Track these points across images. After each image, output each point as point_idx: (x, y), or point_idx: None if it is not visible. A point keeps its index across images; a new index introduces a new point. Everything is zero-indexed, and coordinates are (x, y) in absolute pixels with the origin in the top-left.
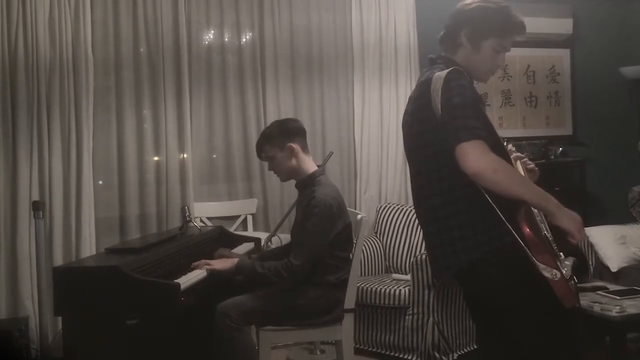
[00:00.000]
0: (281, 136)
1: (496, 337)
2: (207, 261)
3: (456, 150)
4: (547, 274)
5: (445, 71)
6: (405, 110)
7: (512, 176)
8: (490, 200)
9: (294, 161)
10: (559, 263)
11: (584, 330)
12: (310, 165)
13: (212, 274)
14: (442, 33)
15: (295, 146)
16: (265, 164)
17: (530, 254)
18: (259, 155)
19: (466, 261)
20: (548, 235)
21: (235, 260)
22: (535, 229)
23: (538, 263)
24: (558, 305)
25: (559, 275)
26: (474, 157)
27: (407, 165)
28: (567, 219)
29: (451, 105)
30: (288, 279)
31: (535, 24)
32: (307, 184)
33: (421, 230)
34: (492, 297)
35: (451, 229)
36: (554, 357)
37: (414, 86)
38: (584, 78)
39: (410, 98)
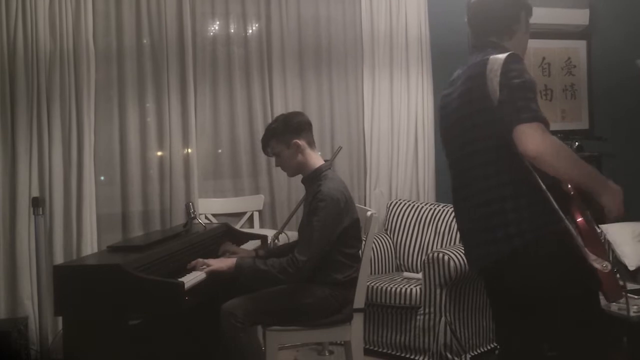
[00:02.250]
0: (286, 132)
1: (526, 335)
2: (204, 261)
3: (516, 131)
4: (597, 266)
5: (505, 54)
6: (447, 93)
7: (571, 159)
8: (543, 186)
9: (300, 157)
10: None
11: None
12: (317, 160)
13: (212, 276)
14: (487, 21)
15: (301, 142)
16: (272, 159)
17: (582, 244)
18: (265, 151)
19: (511, 248)
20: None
21: (234, 260)
22: (588, 219)
23: (589, 254)
24: (597, 302)
25: (609, 267)
26: (536, 139)
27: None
28: (611, 195)
29: (512, 86)
30: (294, 275)
31: (551, 15)
32: (313, 179)
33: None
34: (533, 288)
35: (497, 214)
36: (588, 357)
37: (425, 79)
38: (601, 70)
39: (453, 81)
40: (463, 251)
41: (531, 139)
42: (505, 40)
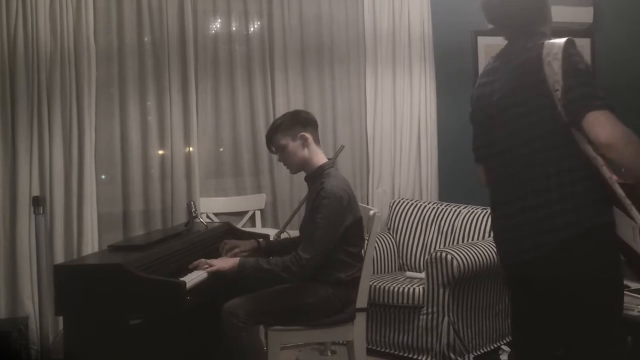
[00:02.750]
0: (294, 125)
1: (547, 334)
2: (207, 261)
3: (588, 117)
4: None
5: (562, 39)
6: (484, 82)
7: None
8: (604, 176)
9: (306, 151)
10: None
11: None
12: (320, 157)
13: (215, 276)
14: (521, 8)
15: (308, 136)
16: (274, 158)
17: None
18: (269, 147)
19: (565, 237)
20: None
21: (237, 259)
22: None
23: None
24: (622, 302)
25: None
26: (610, 126)
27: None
28: None
29: (578, 72)
30: (297, 273)
31: (555, 13)
32: (316, 176)
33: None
34: (573, 282)
35: (555, 202)
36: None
37: (428, 77)
38: (605, 68)
39: (490, 70)
40: (468, 249)
41: (605, 126)
42: (541, 25)
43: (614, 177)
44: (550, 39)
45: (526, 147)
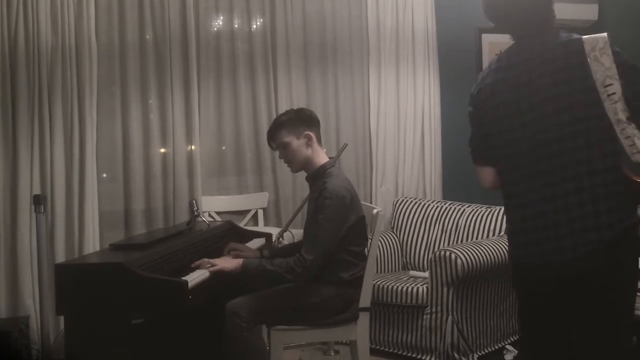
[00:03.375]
0: (298, 123)
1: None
2: (210, 260)
3: None
4: None
5: (602, 34)
6: (510, 76)
7: None
8: None
9: (309, 151)
10: None
11: None
12: (323, 157)
13: (217, 275)
14: (536, 6)
15: (313, 135)
16: (277, 157)
17: None
18: (270, 144)
19: (608, 237)
20: None
21: (240, 260)
22: None
23: None
24: None
25: None
26: None
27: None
28: None
29: (633, 67)
30: (302, 274)
31: (559, 10)
32: (318, 176)
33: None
34: (619, 282)
35: (595, 200)
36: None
37: (432, 74)
38: None
39: (511, 65)
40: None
41: None
42: (553, 21)
43: None
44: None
45: (561, 145)
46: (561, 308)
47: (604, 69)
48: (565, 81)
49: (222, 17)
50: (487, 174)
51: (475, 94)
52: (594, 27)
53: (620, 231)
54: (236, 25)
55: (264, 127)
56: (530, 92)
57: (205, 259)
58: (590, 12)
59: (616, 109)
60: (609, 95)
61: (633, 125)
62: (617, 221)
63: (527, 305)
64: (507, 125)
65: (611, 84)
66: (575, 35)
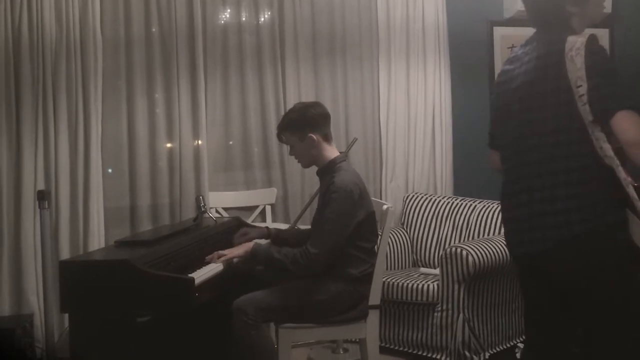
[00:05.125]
0: (302, 125)
1: (561, 330)
2: (220, 252)
3: (617, 116)
4: None
5: (586, 35)
6: (508, 69)
7: None
8: (619, 176)
9: (314, 150)
10: None
11: None
12: (331, 152)
13: (230, 265)
14: (557, 4)
15: (316, 137)
16: (285, 152)
17: None
18: (279, 138)
19: (572, 234)
20: None
21: (250, 244)
22: None
23: None
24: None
25: None
26: (638, 126)
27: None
28: None
29: (605, 70)
30: (305, 267)
31: None
32: (327, 170)
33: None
34: (585, 278)
35: (561, 199)
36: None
37: (443, 67)
38: (624, 59)
39: (516, 57)
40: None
41: (635, 126)
42: (572, 20)
43: (629, 179)
44: (572, 30)
45: (538, 140)
46: (545, 301)
47: (575, 69)
48: (543, 79)
49: (229, 10)
50: (493, 157)
51: (495, 81)
52: (607, 20)
53: (590, 229)
54: (244, 18)
55: (272, 122)
56: (515, 86)
57: (217, 252)
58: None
59: (585, 110)
60: (579, 97)
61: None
62: (578, 221)
63: (523, 298)
64: (501, 115)
65: (581, 85)
66: (570, 37)
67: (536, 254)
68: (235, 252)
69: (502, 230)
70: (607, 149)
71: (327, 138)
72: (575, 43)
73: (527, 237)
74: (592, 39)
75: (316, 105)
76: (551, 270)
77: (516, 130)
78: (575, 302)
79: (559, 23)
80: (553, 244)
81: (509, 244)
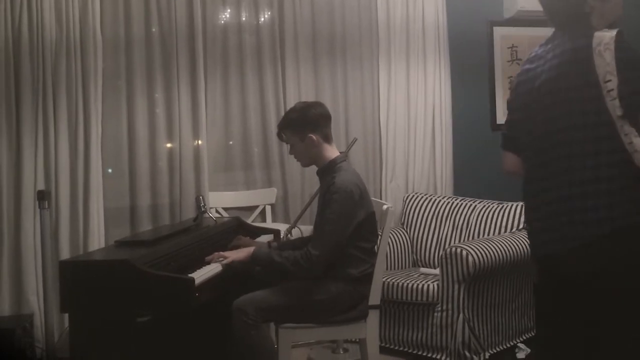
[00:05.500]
0: (302, 125)
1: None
2: (221, 253)
3: None
4: None
5: (614, 30)
6: (530, 68)
7: None
8: None
9: (314, 150)
10: None
11: None
12: (332, 152)
13: (230, 267)
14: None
15: (316, 137)
16: (285, 152)
17: None
18: (280, 136)
19: (601, 232)
20: None
21: (251, 249)
22: None
23: None
24: None
25: None
26: None
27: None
28: None
29: (634, 65)
30: (307, 269)
31: None
32: (327, 171)
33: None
34: (611, 276)
35: (590, 195)
36: None
37: (443, 67)
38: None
39: (537, 56)
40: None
41: None
42: (593, 18)
43: None
44: (591, 27)
45: (566, 137)
46: (567, 302)
47: (605, 64)
48: (566, 76)
49: (229, 10)
50: (507, 159)
51: (512, 82)
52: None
53: (613, 229)
54: (243, 18)
55: (272, 122)
56: (539, 84)
57: (217, 252)
58: None
59: (614, 105)
60: (608, 92)
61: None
62: (617, 216)
63: (539, 297)
64: (523, 115)
65: (610, 80)
66: (591, 32)
67: (563, 253)
68: (235, 255)
69: (502, 230)
70: (638, 144)
71: (328, 138)
72: (604, 38)
73: (554, 235)
74: (621, 34)
75: (317, 105)
76: (578, 269)
77: (541, 128)
78: (600, 302)
79: (579, 20)
80: (581, 242)
81: (533, 244)
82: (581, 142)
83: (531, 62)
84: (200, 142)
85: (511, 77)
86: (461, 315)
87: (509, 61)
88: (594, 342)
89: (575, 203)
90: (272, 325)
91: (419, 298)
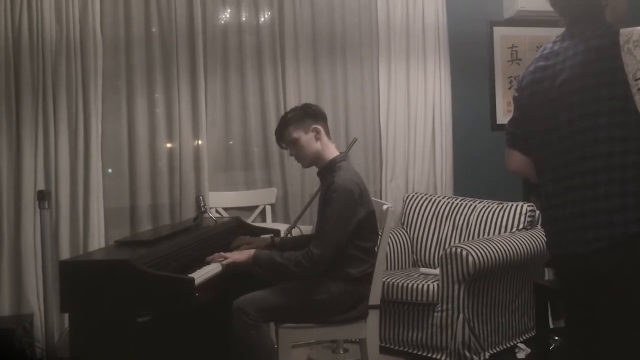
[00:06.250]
0: (305, 117)
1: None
2: (222, 254)
3: None
4: None
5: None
6: (546, 65)
7: None
8: None
9: (318, 144)
10: None
11: None
12: (332, 151)
13: (230, 268)
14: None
15: (321, 128)
16: (285, 152)
17: None
18: (279, 143)
19: (629, 234)
20: None
21: (252, 251)
22: None
23: None
24: None
25: None
26: None
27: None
28: None
29: None
30: (309, 269)
31: None
32: (327, 170)
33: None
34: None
35: (617, 196)
36: None
37: (443, 68)
38: None
39: (552, 53)
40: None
41: None
42: (601, 12)
43: None
44: (604, 24)
45: (591, 135)
46: (590, 302)
47: (635, 61)
48: (593, 74)
49: (229, 10)
50: (514, 157)
51: (520, 80)
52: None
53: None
54: (244, 18)
55: (272, 122)
56: (560, 82)
57: (218, 253)
58: None
59: None
60: (638, 89)
61: None
62: (633, 220)
63: (564, 297)
64: (539, 113)
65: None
66: (614, 28)
67: (586, 255)
68: (236, 257)
69: (502, 230)
70: None
71: (328, 135)
72: (632, 35)
73: (577, 236)
74: None
75: (313, 104)
76: (601, 271)
77: (562, 127)
78: (625, 302)
79: (594, 14)
80: (606, 243)
81: (553, 246)
82: (608, 141)
83: (547, 59)
84: (200, 142)
85: (511, 77)
86: (461, 315)
87: (509, 61)
88: (621, 342)
89: (600, 204)
90: (272, 325)
91: (419, 298)
